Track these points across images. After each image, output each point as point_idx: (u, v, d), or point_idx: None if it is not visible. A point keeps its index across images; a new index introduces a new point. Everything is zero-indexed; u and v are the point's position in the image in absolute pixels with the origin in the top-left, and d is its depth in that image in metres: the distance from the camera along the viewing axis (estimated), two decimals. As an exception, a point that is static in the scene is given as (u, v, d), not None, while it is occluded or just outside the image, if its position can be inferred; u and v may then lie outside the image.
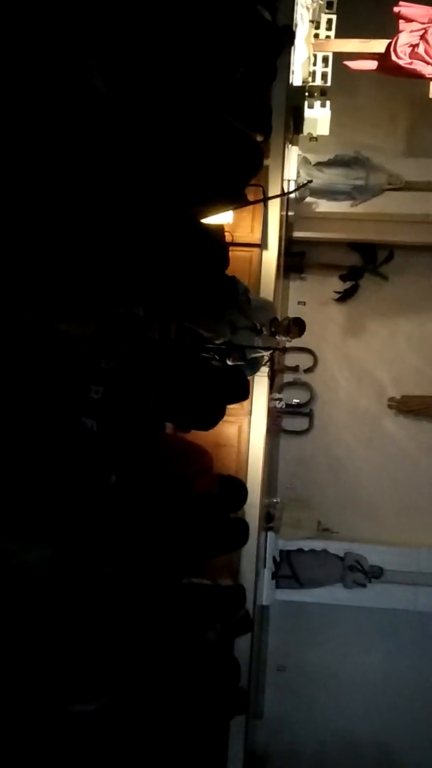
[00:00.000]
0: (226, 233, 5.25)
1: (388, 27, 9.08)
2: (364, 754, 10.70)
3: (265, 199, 7.32)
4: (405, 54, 8.84)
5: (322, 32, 9.88)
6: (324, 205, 10.35)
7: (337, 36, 9.87)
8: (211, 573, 5.93)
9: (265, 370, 7.87)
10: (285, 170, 8.79)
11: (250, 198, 5.64)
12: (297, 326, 7.32)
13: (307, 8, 9.22)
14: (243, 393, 4.93)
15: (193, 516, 4.78)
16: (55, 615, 3.90)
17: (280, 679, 10.90)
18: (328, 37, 9.90)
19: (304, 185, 9.12)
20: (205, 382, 4.37)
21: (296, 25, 8.53)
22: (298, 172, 9.51)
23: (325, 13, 9.81)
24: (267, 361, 7.49)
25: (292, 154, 9.32)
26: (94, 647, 4.10)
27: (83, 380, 3.71)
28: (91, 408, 3.67)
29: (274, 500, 10.53)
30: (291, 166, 9.23)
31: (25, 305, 3.63)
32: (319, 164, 9.91)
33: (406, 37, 8.82)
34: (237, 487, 5.39)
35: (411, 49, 8.86)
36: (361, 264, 11.64)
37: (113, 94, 3.76)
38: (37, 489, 3.65)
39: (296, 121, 9.15)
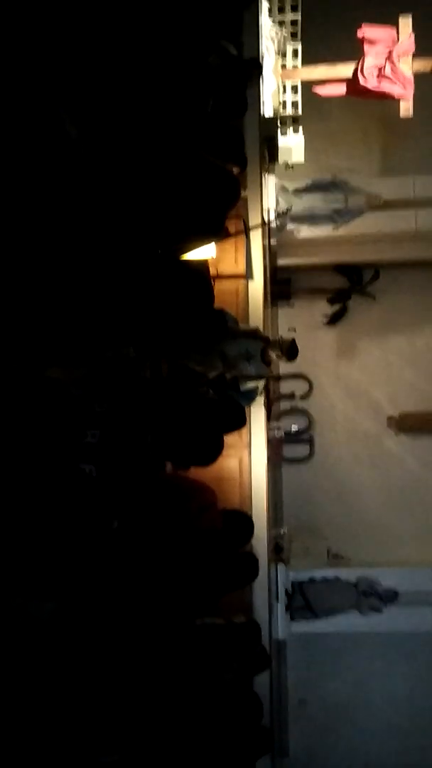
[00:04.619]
0: (210, 267, 5.25)
1: (353, 51, 9.19)
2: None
3: (247, 230, 7.36)
4: (372, 76, 8.96)
5: (289, 62, 10.01)
6: (306, 231, 10.37)
7: (303, 63, 9.99)
8: (224, 611, 5.82)
9: (261, 400, 7.82)
10: (264, 200, 8.83)
11: (231, 230, 5.66)
12: (289, 344, 7.33)
13: (272, 40, 9.36)
14: (239, 421, 4.89)
15: (201, 554, 4.70)
16: (65, 666, 3.81)
17: (303, 713, 10.66)
18: (295, 66, 10.03)
19: (284, 213, 9.16)
20: (201, 417, 4.32)
21: (263, 57, 8.64)
22: (277, 201, 9.54)
23: (290, 44, 9.94)
24: (262, 391, 7.46)
25: (270, 183, 9.38)
26: (106, 696, 4.00)
27: (78, 425, 3.66)
28: (88, 453, 3.61)
29: (281, 531, 10.37)
30: (269, 196, 9.28)
31: (11, 355, 3.58)
32: (297, 191, 9.94)
33: (372, 59, 8.94)
34: (243, 521, 5.32)
35: (378, 70, 8.99)
36: (348, 286, 11.64)
37: (86, 138, 3.77)
38: (39, 540, 3.58)
39: (271, 150, 9.23)
